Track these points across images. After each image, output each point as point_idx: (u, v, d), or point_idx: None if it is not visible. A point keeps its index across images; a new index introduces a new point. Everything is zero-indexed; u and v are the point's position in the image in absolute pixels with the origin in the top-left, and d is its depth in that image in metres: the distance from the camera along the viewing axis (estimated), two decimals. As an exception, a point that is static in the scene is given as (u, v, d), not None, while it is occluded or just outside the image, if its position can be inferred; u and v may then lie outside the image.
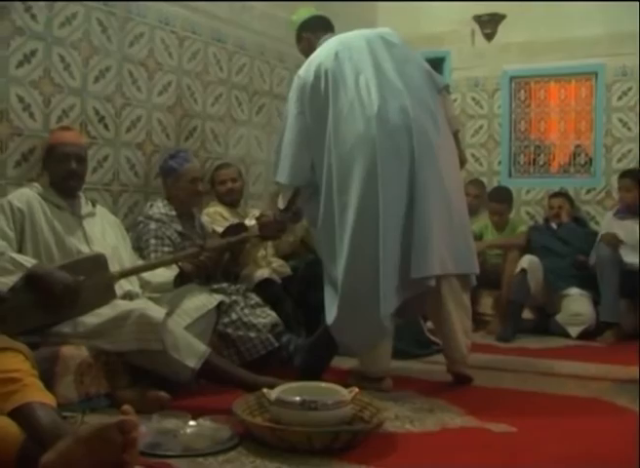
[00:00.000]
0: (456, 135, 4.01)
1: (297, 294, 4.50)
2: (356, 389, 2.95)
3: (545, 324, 5.80)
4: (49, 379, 2.84)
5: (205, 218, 4.55)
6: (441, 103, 3.92)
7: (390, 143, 3.65)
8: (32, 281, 3.26)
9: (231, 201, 4.96)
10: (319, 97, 3.83)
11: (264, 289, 4.29)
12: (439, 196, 3.69)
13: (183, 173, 4.40)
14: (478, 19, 6.71)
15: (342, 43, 3.96)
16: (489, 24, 6.68)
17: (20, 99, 3.94)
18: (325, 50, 3.98)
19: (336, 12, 6.37)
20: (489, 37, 6.73)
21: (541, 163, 6.96)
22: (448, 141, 3.89)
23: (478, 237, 6.15)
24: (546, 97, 6.96)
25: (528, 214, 6.82)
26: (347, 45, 3.94)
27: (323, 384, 3.11)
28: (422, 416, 3.21)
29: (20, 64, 3.93)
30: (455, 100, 6.89)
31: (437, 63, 7.03)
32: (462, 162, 4.10)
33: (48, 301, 3.27)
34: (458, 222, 3.81)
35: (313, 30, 4.31)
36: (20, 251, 3.45)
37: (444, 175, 3.73)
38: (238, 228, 3.99)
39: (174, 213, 4.31)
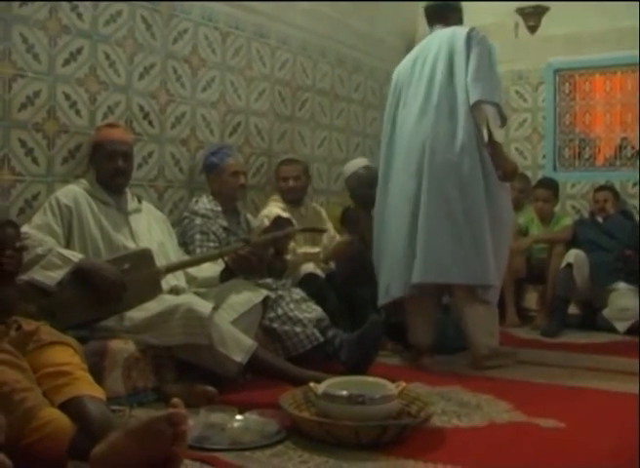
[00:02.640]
0: (494, 147, 4.04)
1: (341, 289, 4.49)
2: (403, 383, 2.94)
3: (592, 319, 5.72)
4: (97, 373, 2.86)
5: (265, 221, 4.54)
6: (475, 117, 4.03)
7: (404, 159, 4.22)
8: (80, 275, 3.30)
9: (293, 199, 4.93)
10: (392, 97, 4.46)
11: (309, 283, 4.28)
12: (443, 211, 4.01)
13: (225, 167, 4.44)
14: (521, 11, 6.63)
15: (421, 48, 4.38)
16: (532, 17, 6.59)
17: (67, 97, 3.97)
18: (412, 53, 4.47)
19: (376, 5, 6.39)
20: (532, 29, 6.64)
21: (587, 156, 6.87)
22: (469, 158, 4.02)
23: (523, 231, 6.10)
24: (591, 90, 6.86)
25: (573, 207, 6.73)
26: (423, 53, 4.32)
27: (370, 378, 3.10)
28: (470, 411, 3.19)
29: (66, 63, 3.96)
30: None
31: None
32: (507, 173, 4.11)
33: (95, 295, 3.30)
34: (469, 236, 3.99)
35: (428, 21, 4.55)
36: (67, 246, 3.49)
37: (452, 192, 4.01)
38: (283, 223, 3.98)
39: (219, 208, 4.34)
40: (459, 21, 4.48)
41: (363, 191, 5.22)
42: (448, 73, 4.12)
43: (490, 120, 3.99)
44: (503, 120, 4.10)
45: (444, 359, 4.37)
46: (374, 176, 4.93)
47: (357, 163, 5.48)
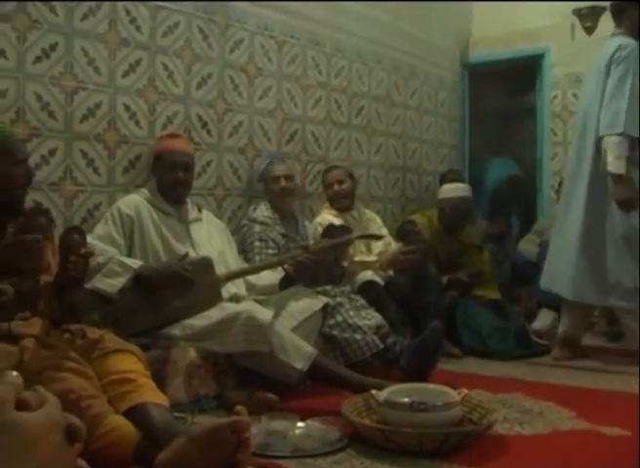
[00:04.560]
0: (618, 178, 4.11)
1: (400, 296, 4.47)
2: (465, 390, 2.91)
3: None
4: (159, 381, 2.88)
5: (319, 229, 4.56)
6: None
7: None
8: (141, 282, 3.34)
9: (340, 204, 4.90)
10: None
11: (368, 290, 4.27)
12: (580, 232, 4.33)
13: (267, 174, 4.51)
14: (578, 12, 6.52)
15: (599, 55, 4.35)
16: (589, 17, 6.49)
17: (127, 108, 4.03)
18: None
19: (431, 5, 6.36)
20: (589, 31, 6.53)
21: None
22: (597, 184, 4.27)
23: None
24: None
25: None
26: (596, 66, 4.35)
27: (431, 385, 3.08)
28: (532, 418, 3.14)
29: (125, 74, 4.02)
30: (555, 98, 6.77)
31: (536, 60, 6.91)
32: (621, 204, 4.18)
33: (159, 295, 3.34)
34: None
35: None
36: (129, 256, 3.53)
37: (588, 216, 4.30)
38: (341, 230, 3.98)
39: (277, 215, 4.37)
40: (631, 27, 4.35)
41: (454, 221, 5.24)
42: (596, 93, 4.26)
43: (608, 151, 4.09)
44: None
45: (504, 365, 4.32)
46: (468, 209, 4.97)
47: (456, 190, 5.36)
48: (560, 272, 4.41)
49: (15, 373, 0.78)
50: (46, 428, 0.73)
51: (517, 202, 7.30)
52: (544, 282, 4.58)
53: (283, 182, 4.46)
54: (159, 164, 3.81)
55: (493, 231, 6.49)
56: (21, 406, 0.74)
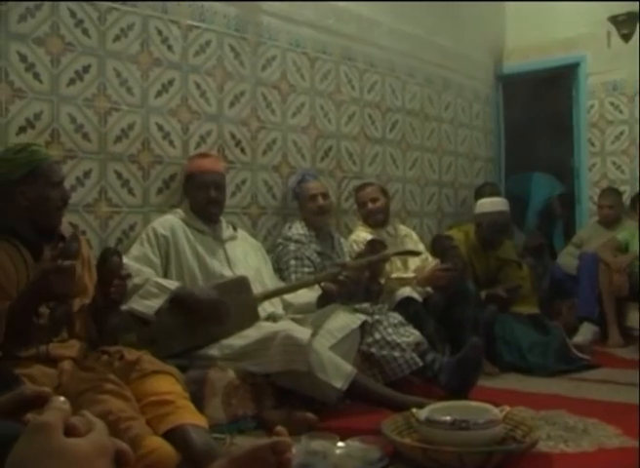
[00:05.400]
0: None
1: (438, 312, 4.45)
2: (507, 407, 2.89)
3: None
4: (197, 402, 2.89)
5: (354, 246, 4.57)
6: None
7: None
8: (178, 303, 3.36)
9: (375, 222, 4.90)
10: None
11: (406, 307, 4.25)
12: None
13: (302, 192, 4.51)
14: (614, 19, 6.48)
15: None
16: (626, 24, 6.44)
17: (160, 128, 4.07)
18: None
19: (463, 17, 6.37)
20: (626, 38, 6.49)
21: (689, 168, 6.68)
22: None
23: (623, 248, 5.95)
24: (691, 98, 6.68)
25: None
26: None
27: (472, 403, 3.06)
28: (577, 436, 3.10)
29: (158, 94, 4.06)
30: (592, 107, 6.73)
31: (571, 69, 6.88)
32: None
33: (196, 318, 3.36)
34: None
35: None
36: (165, 276, 3.56)
37: None
38: (380, 244, 3.98)
39: (312, 233, 4.38)
40: None
41: (491, 236, 5.19)
42: None
43: None
44: None
45: (546, 381, 4.29)
46: (506, 223, 4.93)
47: (494, 205, 5.28)
48: None
49: (62, 399, 0.79)
50: (95, 454, 0.74)
51: (565, 219, 7.30)
52: None
53: (320, 200, 4.46)
54: (190, 184, 3.85)
55: (531, 244, 6.45)
56: (70, 431, 0.75)
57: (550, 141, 7.98)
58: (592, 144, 6.80)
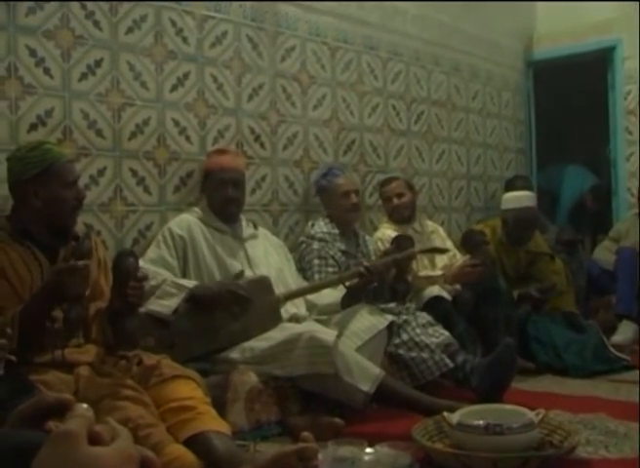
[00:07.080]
0: None
1: (469, 311, 4.44)
2: (543, 411, 2.88)
3: None
4: (219, 407, 2.90)
5: (379, 244, 4.57)
6: None
7: None
8: (196, 302, 3.38)
9: (400, 218, 4.88)
10: None
11: (434, 307, 4.24)
12: None
13: (334, 188, 4.46)
14: (649, 1, 6.44)
15: None
16: (663, 5, 6.40)
17: (176, 123, 4.08)
18: None
19: (490, 2, 6.33)
20: (661, 20, 6.44)
21: None
22: None
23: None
24: None
25: None
26: None
27: (506, 406, 3.06)
28: (618, 441, 3.07)
29: (173, 88, 4.08)
30: (629, 93, 6.68)
31: (607, 54, 6.83)
32: None
33: (215, 315, 3.39)
34: None
35: None
36: (183, 277, 3.57)
37: None
38: (408, 241, 3.97)
39: (336, 231, 4.36)
40: None
41: (517, 232, 5.16)
42: None
43: None
44: None
45: (584, 383, 4.27)
46: (533, 219, 4.90)
47: (521, 199, 5.22)
48: None
49: (85, 406, 0.80)
50: (120, 462, 0.75)
51: (601, 212, 7.25)
52: None
53: (354, 198, 4.43)
54: (209, 181, 3.86)
55: (563, 239, 6.40)
56: (94, 440, 0.76)
57: (584, 130, 7.93)
58: (629, 133, 6.74)
